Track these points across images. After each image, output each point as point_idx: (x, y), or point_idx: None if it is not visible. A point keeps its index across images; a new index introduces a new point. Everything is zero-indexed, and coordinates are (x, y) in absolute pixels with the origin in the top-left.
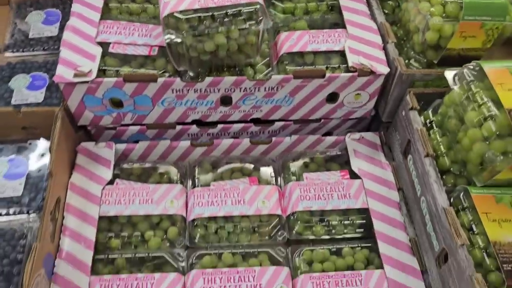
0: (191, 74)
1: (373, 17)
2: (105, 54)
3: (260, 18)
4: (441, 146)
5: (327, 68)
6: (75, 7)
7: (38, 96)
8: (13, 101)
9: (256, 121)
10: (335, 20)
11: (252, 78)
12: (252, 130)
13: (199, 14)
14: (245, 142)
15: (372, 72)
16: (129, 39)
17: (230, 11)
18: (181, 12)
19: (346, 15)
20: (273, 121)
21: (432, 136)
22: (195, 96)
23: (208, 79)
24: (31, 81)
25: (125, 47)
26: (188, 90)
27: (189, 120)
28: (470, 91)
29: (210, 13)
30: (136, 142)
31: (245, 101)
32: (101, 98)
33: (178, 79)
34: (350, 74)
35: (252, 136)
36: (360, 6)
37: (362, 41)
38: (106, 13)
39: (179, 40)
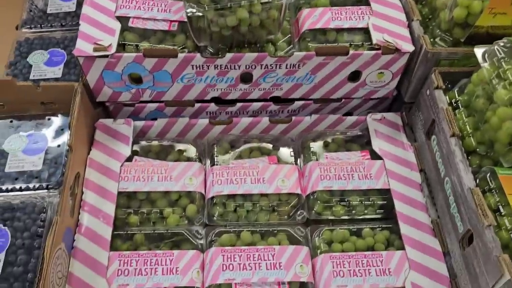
0: (211, 50)
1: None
2: (124, 28)
3: None
4: (467, 126)
5: (350, 45)
6: None
7: (56, 72)
8: (31, 77)
9: (275, 100)
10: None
11: (273, 55)
12: (271, 109)
13: None
14: (265, 121)
15: (396, 50)
16: (149, 14)
17: None
18: None
19: None
20: (292, 100)
21: (458, 116)
22: (215, 72)
23: (229, 55)
24: (49, 57)
25: (144, 22)
26: (208, 66)
27: (208, 97)
28: (501, 68)
29: None
30: (155, 119)
31: (265, 79)
32: (121, 74)
33: (198, 55)
34: (374, 51)
35: (272, 115)
36: None
37: (386, 19)
38: None
39: (200, 14)
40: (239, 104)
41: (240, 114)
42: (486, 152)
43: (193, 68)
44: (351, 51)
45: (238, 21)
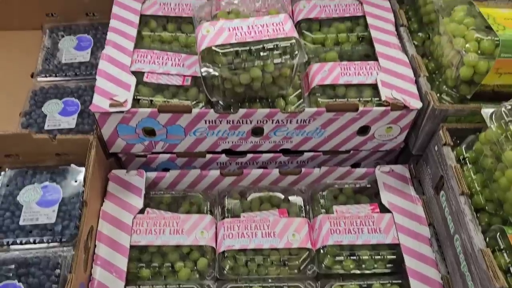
0: (222, 104)
1: (404, 49)
2: (139, 83)
3: (296, 53)
4: (476, 184)
5: (359, 100)
6: (110, 36)
7: (70, 122)
8: (46, 126)
9: (285, 151)
10: (365, 51)
11: (284, 111)
12: (280, 160)
13: (236, 48)
14: (274, 172)
15: (405, 107)
16: (163, 68)
17: (266, 46)
18: (218, 46)
19: (378, 47)
20: (302, 152)
21: (466, 173)
22: (227, 127)
23: (242, 111)
24: (64, 107)
25: (158, 76)
26: (221, 121)
27: (219, 149)
28: (509, 131)
29: (247, 47)
30: (166, 170)
31: (276, 132)
32: (135, 127)
33: (211, 111)
34: (383, 108)
35: (281, 166)
36: (391, 38)
37: (394, 74)
38: (139, 41)
39: (216, 73)
40: (249, 155)
41: (250, 165)
42: (495, 210)
43: (206, 123)
44: (361, 108)
45: (251, 79)
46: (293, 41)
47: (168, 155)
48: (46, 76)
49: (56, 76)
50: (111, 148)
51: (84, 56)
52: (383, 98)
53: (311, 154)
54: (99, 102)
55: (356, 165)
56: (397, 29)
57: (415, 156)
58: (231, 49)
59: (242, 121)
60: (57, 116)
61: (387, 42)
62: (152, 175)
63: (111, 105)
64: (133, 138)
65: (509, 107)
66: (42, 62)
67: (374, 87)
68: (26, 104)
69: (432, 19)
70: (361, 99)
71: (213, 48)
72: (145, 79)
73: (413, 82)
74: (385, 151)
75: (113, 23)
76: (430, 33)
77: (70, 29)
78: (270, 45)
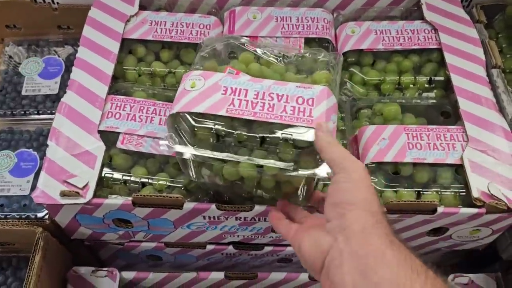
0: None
1: (500, 107)
2: (110, 147)
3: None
4: None
5: (437, 193)
6: (75, 74)
7: (24, 186)
8: None
9: None
10: (441, 104)
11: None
12: None
13: (221, 126)
14: (303, 277)
15: (509, 209)
16: (146, 128)
17: (274, 134)
18: (195, 115)
19: (462, 102)
20: None
21: None
22: (237, 223)
23: (259, 208)
24: (17, 163)
25: (140, 141)
26: (227, 217)
27: (225, 241)
28: None
29: (240, 130)
30: (154, 257)
31: None
32: (102, 218)
33: (213, 207)
34: (474, 210)
35: None
36: (482, 89)
37: (490, 152)
38: (119, 77)
39: (184, 152)
40: (268, 248)
41: (267, 256)
42: None
43: (205, 218)
44: (440, 209)
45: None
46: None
47: (154, 243)
48: None
49: (12, 113)
50: (73, 235)
51: (52, 86)
52: (474, 193)
53: None
54: (47, 187)
55: None
56: (487, 71)
57: (505, 262)
58: (213, 125)
59: (259, 218)
60: (7, 175)
61: (477, 97)
62: (130, 275)
63: (63, 195)
64: (102, 228)
65: None
66: None
67: (458, 169)
68: None
69: None
70: (439, 192)
71: (187, 116)
72: (119, 144)
73: None
74: (460, 250)
75: (81, 52)
76: None
77: (37, 47)
78: (279, 134)
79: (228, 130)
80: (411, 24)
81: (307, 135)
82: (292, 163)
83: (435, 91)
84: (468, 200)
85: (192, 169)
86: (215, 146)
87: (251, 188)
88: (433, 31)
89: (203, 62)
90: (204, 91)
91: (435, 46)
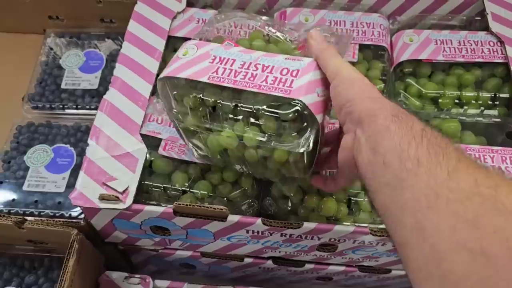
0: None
1: None
2: (152, 154)
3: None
4: None
5: None
6: (118, 71)
7: (59, 183)
8: (25, 187)
9: (365, 268)
10: (505, 123)
11: (376, 233)
12: (357, 275)
13: (202, 95)
14: None
15: None
16: None
17: (250, 103)
18: (177, 80)
19: None
20: (389, 270)
21: None
22: (282, 239)
23: (307, 226)
24: (53, 158)
25: (182, 149)
26: (272, 233)
27: (265, 256)
28: None
29: (221, 97)
30: (188, 266)
31: (356, 252)
32: (139, 224)
33: (259, 221)
34: None
35: (353, 279)
36: None
37: None
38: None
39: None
40: (309, 266)
41: (307, 273)
42: None
43: (247, 232)
44: None
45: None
46: (297, 107)
47: (189, 252)
48: (37, 107)
49: (51, 107)
50: (108, 238)
51: (92, 81)
52: None
53: (401, 272)
54: (85, 189)
55: None
56: None
57: None
58: (197, 93)
59: (306, 236)
60: (43, 171)
61: None
62: (163, 284)
63: (102, 198)
64: (138, 233)
65: None
66: (36, 83)
67: None
68: (7, 144)
69: None
70: None
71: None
72: (161, 150)
73: None
74: None
75: (126, 48)
76: None
77: (78, 39)
78: (258, 104)
79: (211, 98)
80: (475, 35)
81: (285, 107)
82: (270, 136)
83: (497, 108)
84: None
85: (184, 137)
86: (198, 115)
87: (237, 162)
88: (498, 43)
89: (206, 34)
90: (193, 59)
91: (500, 60)
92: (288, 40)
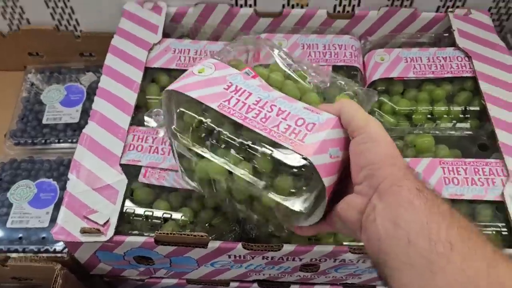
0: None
1: None
2: (131, 180)
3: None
4: None
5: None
6: (97, 104)
7: (43, 218)
8: (8, 224)
9: (350, 285)
10: (477, 135)
11: (355, 251)
12: None
13: (208, 121)
14: None
15: None
16: (169, 161)
17: (255, 146)
18: (187, 99)
19: (501, 134)
20: (374, 286)
21: None
22: (264, 262)
23: (287, 248)
24: (36, 193)
25: (162, 174)
26: (254, 257)
27: (250, 279)
28: None
29: (223, 130)
30: None
31: (339, 270)
32: (122, 255)
33: (239, 246)
34: None
35: None
36: None
37: None
38: (141, 106)
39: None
40: (294, 287)
41: None
42: None
43: (230, 257)
44: None
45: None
46: (305, 162)
47: (175, 280)
48: (19, 143)
49: (33, 142)
50: (92, 271)
51: (73, 115)
52: None
53: None
54: (67, 223)
55: None
56: None
57: None
58: (199, 115)
59: (288, 258)
60: (27, 206)
61: None
62: None
63: (83, 232)
64: (122, 264)
65: None
66: (18, 119)
67: (499, 205)
68: None
69: None
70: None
71: (181, 97)
72: (141, 178)
73: None
74: None
75: (104, 81)
76: None
77: (59, 74)
78: (260, 145)
79: (212, 125)
80: (443, 51)
81: (291, 158)
82: (264, 182)
83: (469, 121)
84: (510, 239)
85: (176, 155)
86: (197, 137)
87: (224, 195)
88: (466, 58)
89: (225, 54)
90: (208, 79)
91: (469, 74)
92: (308, 82)
